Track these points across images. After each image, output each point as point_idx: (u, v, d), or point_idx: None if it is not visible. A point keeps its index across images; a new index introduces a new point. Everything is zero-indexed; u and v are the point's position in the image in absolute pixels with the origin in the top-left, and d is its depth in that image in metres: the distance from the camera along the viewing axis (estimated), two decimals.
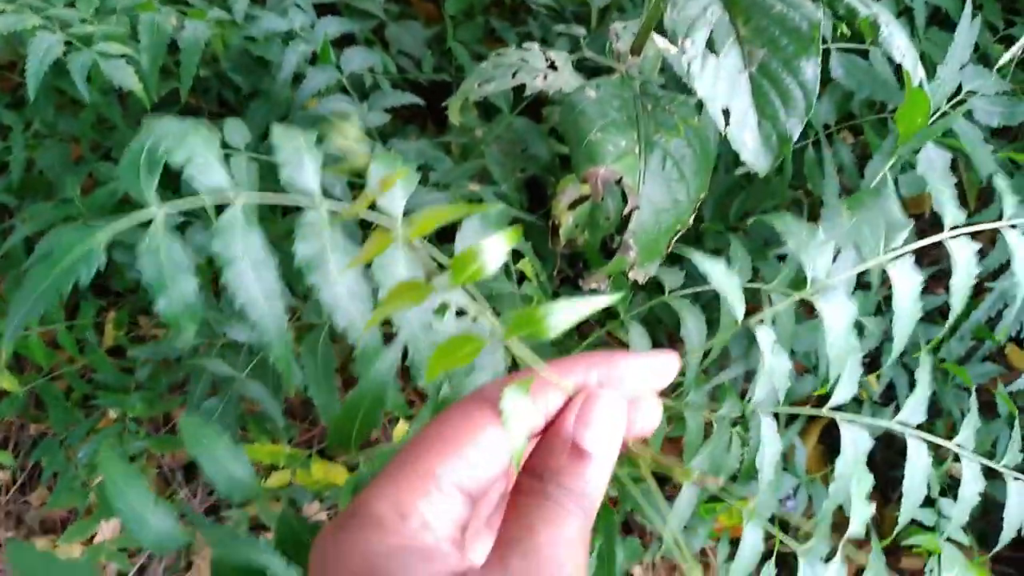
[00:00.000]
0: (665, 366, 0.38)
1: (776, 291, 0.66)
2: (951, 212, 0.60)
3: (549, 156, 0.99)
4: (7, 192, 1.01)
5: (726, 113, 0.57)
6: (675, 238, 0.71)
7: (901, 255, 0.59)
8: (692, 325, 0.88)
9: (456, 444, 0.34)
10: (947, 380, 1.17)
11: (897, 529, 0.71)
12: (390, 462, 0.35)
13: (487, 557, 0.32)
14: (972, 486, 0.67)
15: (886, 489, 1.24)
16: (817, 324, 0.79)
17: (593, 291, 0.73)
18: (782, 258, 1.04)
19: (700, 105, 0.93)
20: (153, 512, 0.50)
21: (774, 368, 0.65)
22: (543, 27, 1.18)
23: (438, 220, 0.40)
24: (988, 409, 1.19)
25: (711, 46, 0.57)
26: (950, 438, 0.69)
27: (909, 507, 0.68)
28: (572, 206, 0.92)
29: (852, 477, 0.69)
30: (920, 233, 1.00)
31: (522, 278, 0.94)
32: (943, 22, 1.06)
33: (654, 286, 0.98)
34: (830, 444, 1.27)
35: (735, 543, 1.17)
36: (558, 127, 0.80)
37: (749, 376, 1.20)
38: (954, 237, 0.60)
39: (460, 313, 0.65)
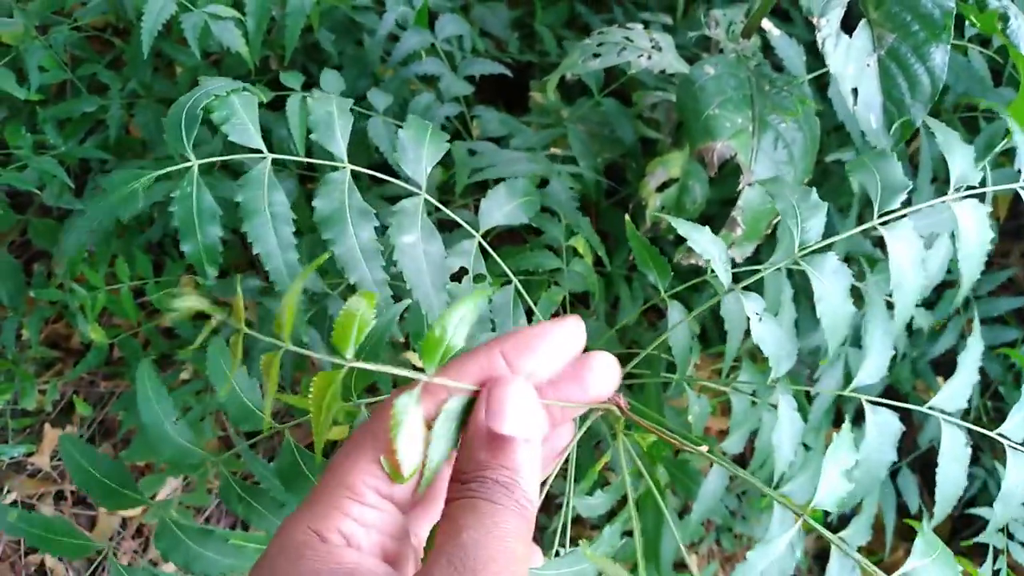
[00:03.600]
0: (571, 329, 0.37)
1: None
2: None
3: (633, 140, 1.00)
4: (103, 148, 1.03)
5: (855, 92, 0.58)
6: (776, 221, 0.72)
7: (968, 196, 0.57)
8: (731, 306, 0.86)
9: (372, 455, 0.33)
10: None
11: (933, 523, 0.67)
12: (315, 485, 0.34)
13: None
14: (1017, 478, 0.62)
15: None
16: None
17: (693, 267, 0.74)
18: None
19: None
20: (174, 428, 0.57)
21: (762, 337, 0.61)
22: (627, 15, 1.18)
23: None
24: None
25: (844, 27, 0.58)
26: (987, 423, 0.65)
27: (945, 500, 0.64)
28: (660, 189, 0.94)
29: (878, 462, 0.66)
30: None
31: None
32: None
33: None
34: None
35: None
36: (674, 102, 0.80)
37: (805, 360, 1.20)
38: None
39: (479, 278, 0.66)
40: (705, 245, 0.57)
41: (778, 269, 0.58)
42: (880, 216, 0.55)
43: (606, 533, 0.71)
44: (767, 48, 0.89)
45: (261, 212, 0.56)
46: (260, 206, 0.56)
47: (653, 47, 0.82)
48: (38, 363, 1.26)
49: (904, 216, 0.55)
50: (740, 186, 0.66)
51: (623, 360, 0.77)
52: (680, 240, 1.03)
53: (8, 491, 1.25)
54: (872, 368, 0.65)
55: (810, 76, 0.85)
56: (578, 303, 1.04)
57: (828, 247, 0.55)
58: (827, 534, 0.69)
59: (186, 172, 0.55)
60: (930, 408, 0.62)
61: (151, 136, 1.03)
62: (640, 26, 0.84)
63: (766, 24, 0.79)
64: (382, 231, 0.60)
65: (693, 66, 0.68)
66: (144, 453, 1.08)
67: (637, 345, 1.10)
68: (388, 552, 0.33)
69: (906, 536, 1.15)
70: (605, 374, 0.38)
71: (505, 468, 0.33)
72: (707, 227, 0.59)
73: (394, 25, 0.95)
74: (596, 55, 0.81)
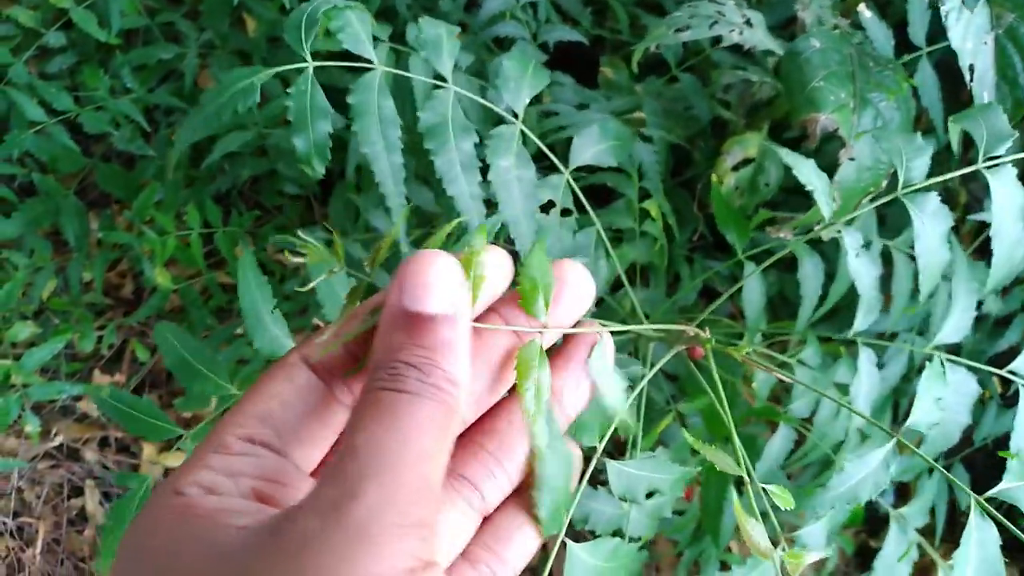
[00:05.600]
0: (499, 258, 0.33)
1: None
2: None
3: (708, 119, 1.00)
4: (177, 96, 1.04)
5: (971, 69, 0.58)
6: (866, 199, 0.72)
7: None
8: (809, 269, 0.82)
9: (246, 407, 0.30)
10: None
11: (999, 488, 0.63)
12: None
13: None
14: None
15: None
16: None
17: (797, 244, 0.74)
18: None
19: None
20: (272, 318, 0.58)
21: (859, 272, 0.62)
22: None
23: None
24: None
25: (966, 3, 0.58)
26: None
27: (1019, 467, 0.64)
28: (735, 168, 0.93)
29: (953, 423, 0.66)
30: None
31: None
32: None
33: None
34: None
35: None
36: (750, 82, 0.80)
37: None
38: None
39: (565, 213, 0.70)
40: (808, 175, 0.57)
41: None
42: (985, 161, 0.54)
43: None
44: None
45: (371, 113, 0.60)
46: (371, 108, 0.60)
47: (745, 22, 0.81)
48: (91, 308, 1.27)
49: (1009, 162, 0.54)
50: (841, 159, 0.66)
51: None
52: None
53: (56, 434, 1.27)
54: (956, 325, 0.64)
55: (899, 62, 0.85)
56: (639, 279, 1.04)
57: (930, 187, 0.55)
58: (922, 455, 0.67)
59: (301, 72, 0.59)
60: (1009, 372, 0.61)
61: None
62: (731, 1, 0.84)
63: (861, 8, 0.79)
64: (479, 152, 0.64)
65: (799, 38, 0.68)
66: (197, 404, 1.08)
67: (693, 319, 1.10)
68: (264, 494, 0.29)
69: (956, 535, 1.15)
70: (581, 284, 0.34)
71: (422, 347, 0.28)
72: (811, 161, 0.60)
73: None
74: (686, 27, 0.81)
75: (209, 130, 0.60)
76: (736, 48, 1.04)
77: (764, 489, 0.57)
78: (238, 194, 1.11)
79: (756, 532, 0.54)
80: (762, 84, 0.98)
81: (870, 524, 1.28)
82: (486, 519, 0.34)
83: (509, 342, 0.34)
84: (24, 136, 0.97)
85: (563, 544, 0.48)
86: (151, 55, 1.02)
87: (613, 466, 0.53)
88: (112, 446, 1.30)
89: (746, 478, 0.60)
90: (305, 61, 0.59)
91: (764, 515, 0.69)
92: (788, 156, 0.60)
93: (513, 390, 0.34)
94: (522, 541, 0.34)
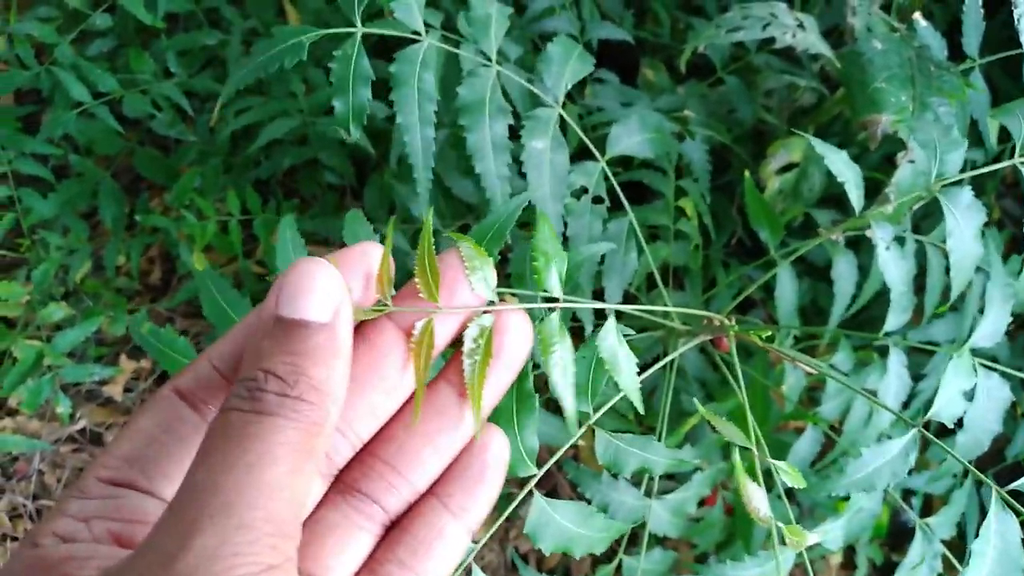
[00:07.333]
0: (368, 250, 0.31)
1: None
2: None
3: (752, 122, 1.00)
4: (220, 82, 1.04)
5: None
6: (918, 204, 0.72)
7: None
8: (843, 268, 0.82)
9: (106, 447, 0.29)
10: None
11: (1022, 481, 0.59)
12: None
13: None
14: None
15: None
16: None
17: (832, 243, 0.73)
18: None
19: None
20: None
21: (888, 266, 0.62)
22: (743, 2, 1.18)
23: None
24: None
25: None
26: None
27: None
28: (780, 172, 0.93)
29: (983, 430, 0.65)
30: None
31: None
32: None
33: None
34: None
35: None
36: (838, 75, 0.80)
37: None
38: None
39: (597, 200, 0.71)
40: (840, 167, 0.58)
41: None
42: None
43: (695, 479, 0.72)
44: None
45: (411, 85, 0.61)
46: (411, 79, 0.61)
47: (798, 25, 0.81)
48: (119, 293, 1.27)
49: None
50: (901, 160, 0.66)
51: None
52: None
53: (79, 417, 1.26)
54: (990, 329, 0.63)
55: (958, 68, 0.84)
56: (673, 282, 1.03)
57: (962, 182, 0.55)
58: (913, 517, 0.67)
59: (348, 37, 0.60)
60: None
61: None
62: (783, 4, 0.84)
63: (915, 15, 0.79)
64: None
65: (860, 39, 0.68)
66: None
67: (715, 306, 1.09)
68: (123, 536, 0.27)
69: None
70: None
71: (290, 354, 0.26)
72: (844, 151, 0.60)
73: None
74: (739, 28, 0.81)
75: (256, 77, 0.61)
76: (780, 53, 1.05)
77: (776, 467, 0.56)
78: (277, 183, 1.11)
79: (756, 496, 0.53)
80: (805, 90, 0.98)
81: (895, 539, 1.27)
82: (397, 530, 0.32)
83: (404, 347, 0.31)
84: (67, 116, 0.97)
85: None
86: (195, 40, 1.03)
87: (601, 434, 0.53)
88: None
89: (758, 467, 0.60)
90: (354, 27, 0.60)
91: (785, 521, 0.69)
92: (820, 146, 0.61)
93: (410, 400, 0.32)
94: (443, 550, 0.31)
